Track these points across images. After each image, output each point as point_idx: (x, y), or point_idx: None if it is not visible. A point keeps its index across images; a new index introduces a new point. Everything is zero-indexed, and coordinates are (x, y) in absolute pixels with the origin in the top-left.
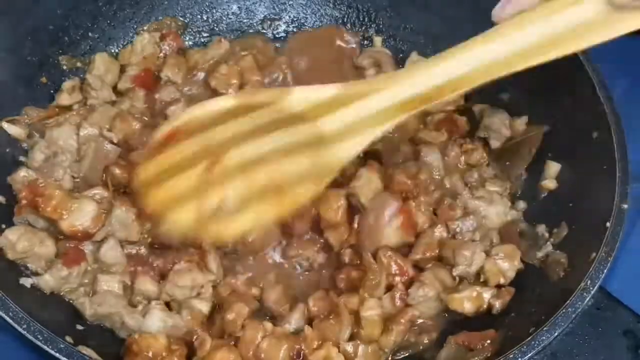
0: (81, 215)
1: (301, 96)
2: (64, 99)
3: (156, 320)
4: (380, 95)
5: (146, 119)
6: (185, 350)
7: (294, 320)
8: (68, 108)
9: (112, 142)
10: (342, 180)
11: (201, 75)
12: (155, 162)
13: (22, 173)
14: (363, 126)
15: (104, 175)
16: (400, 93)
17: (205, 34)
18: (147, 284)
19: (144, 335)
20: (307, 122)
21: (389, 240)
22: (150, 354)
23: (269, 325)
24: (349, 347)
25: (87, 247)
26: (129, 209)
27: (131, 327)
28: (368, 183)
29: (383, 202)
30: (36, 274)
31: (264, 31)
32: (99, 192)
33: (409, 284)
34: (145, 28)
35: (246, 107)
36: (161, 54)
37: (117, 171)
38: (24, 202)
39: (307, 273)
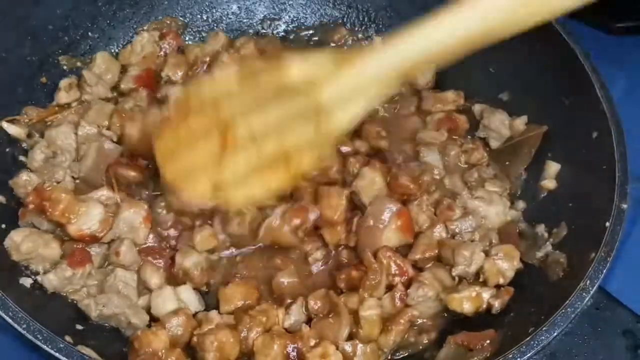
0: (88, 219)
1: (299, 67)
2: (62, 97)
3: (168, 300)
4: (375, 62)
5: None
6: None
7: (293, 318)
8: (67, 106)
9: (112, 141)
10: (346, 178)
11: (203, 68)
12: (170, 135)
13: (24, 177)
14: (358, 93)
15: (106, 175)
16: (392, 60)
17: (205, 34)
18: (153, 276)
19: (145, 331)
20: (306, 92)
21: (389, 241)
22: (150, 350)
23: (263, 319)
24: (348, 347)
25: (94, 250)
26: (137, 211)
27: (137, 326)
28: (371, 183)
29: (382, 204)
30: (37, 273)
31: (264, 31)
32: (104, 193)
33: (408, 284)
34: (145, 28)
35: (247, 77)
36: (161, 53)
37: (122, 171)
38: (31, 206)
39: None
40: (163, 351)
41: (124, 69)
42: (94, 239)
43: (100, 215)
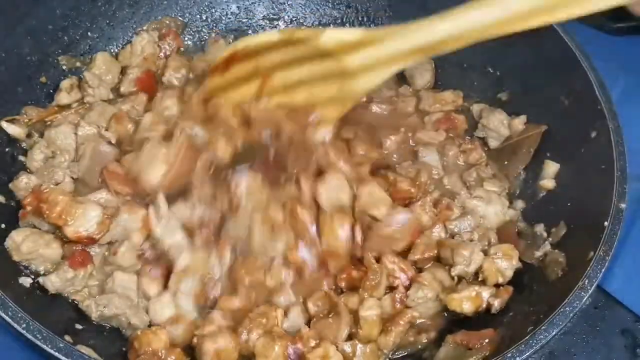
0: (86, 221)
1: (331, 36)
2: (63, 97)
3: (166, 307)
4: (394, 41)
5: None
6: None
7: (292, 320)
8: (67, 107)
9: (109, 143)
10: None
11: None
12: (218, 78)
13: (24, 179)
14: (380, 64)
15: (101, 177)
16: (409, 41)
17: (204, 34)
18: (150, 287)
19: (145, 331)
20: (335, 57)
21: (397, 246)
22: (150, 350)
23: (263, 320)
24: (347, 347)
25: (94, 250)
26: (136, 217)
27: (137, 326)
28: (370, 197)
29: (397, 214)
30: (38, 274)
31: (263, 31)
32: (104, 196)
33: (408, 285)
34: (144, 28)
35: (287, 41)
36: (161, 54)
37: (115, 185)
38: (28, 208)
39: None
40: (163, 351)
41: (123, 70)
42: (91, 241)
43: (97, 217)
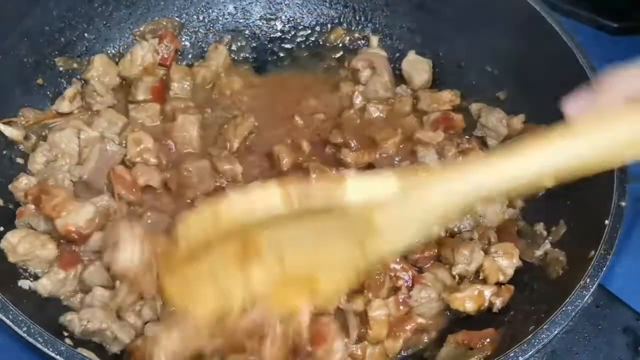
0: (77, 215)
1: (357, 189)
2: (65, 106)
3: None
4: (443, 188)
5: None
6: None
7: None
8: (68, 113)
9: (115, 142)
10: None
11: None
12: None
13: (24, 180)
14: (418, 220)
15: (108, 179)
16: (459, 187)
17: (201, 35)
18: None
19: (147, 338)
20: (358, 215)
21: None
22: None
23: None
24: (357, 350)
25: (82, 249)
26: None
27: (124, 341)
28: None
29: None
30: (36, 277)
31: (260, 31)
32: (105, 203)
33: (410, 286)
34: (141, 29)
35: (295, 198)
36: (159, 57)
37: (122, 192)
38: (29, 197)
39: None
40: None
41: (129, 82)
42: (79, 237)
43: (89, 214)
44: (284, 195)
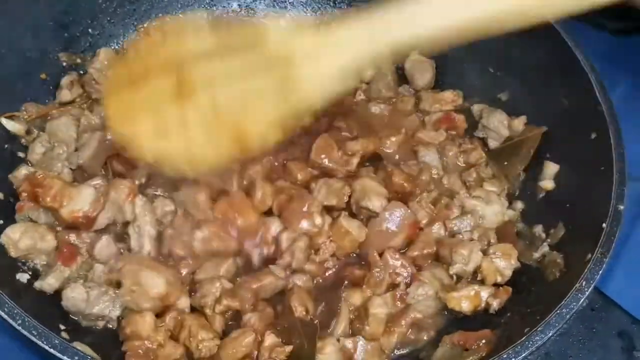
0: (80, 199)
1: (276, 33)
2: (64, 95)
3: None
4: (356, 37)
5: None
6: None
7: None
8: (70, 103)
9: None
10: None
11: None
12: (126, 69)
13: (24, 171)
14: (335, 67)
15: (104, 167)
16: (372, 37)
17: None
18: None
19: (131, 314)
20: (280, 60)
21: (396, 243)
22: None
23: None
24: (348, 343)
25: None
26: (122, 188)
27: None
28: (363, 190)
29: (396, 209)
30: (34, 270)
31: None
32: (99, 182)
33: (409, 283)
34: (145, 25)
35: (223, 38)
36: None
37: (115, 164)
38: (24, 194)
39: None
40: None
41: None
42: (88, 221)
43: (91, 196)
44: (212, 24)
